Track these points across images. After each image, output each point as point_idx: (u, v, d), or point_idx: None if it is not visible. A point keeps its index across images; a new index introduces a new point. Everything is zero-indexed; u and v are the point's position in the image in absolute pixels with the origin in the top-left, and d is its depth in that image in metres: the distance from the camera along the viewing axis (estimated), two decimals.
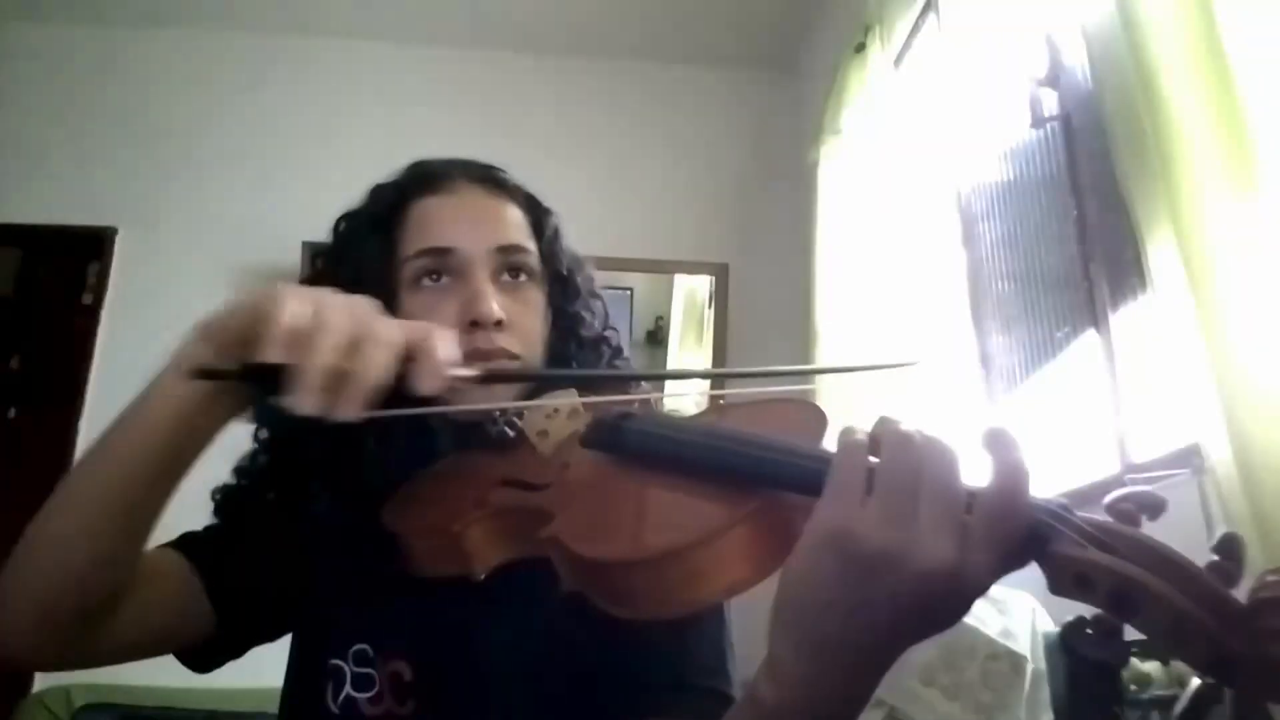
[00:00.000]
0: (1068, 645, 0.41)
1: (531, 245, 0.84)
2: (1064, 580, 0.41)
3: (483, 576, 0.66)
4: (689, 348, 3.14)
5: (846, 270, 2.48)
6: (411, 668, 0.76)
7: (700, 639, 0.74)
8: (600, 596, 0.55)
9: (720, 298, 3.10)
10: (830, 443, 0.49)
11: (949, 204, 2.27)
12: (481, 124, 3.12)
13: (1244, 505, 1.01)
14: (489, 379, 0.66)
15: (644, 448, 0.62)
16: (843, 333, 2.46)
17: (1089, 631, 0.41)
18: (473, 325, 0.77)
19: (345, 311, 0.55)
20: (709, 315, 3.14)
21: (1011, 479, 0.42)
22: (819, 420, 0.59)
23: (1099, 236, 1.73)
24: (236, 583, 0.79)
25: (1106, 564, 0.39)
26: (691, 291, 3.19)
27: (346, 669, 0.77)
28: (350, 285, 0.78)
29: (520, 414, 0.75)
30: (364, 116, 3.20)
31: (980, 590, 0.43)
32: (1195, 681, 0.40)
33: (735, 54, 3.37)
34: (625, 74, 3.38)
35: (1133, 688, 1.21)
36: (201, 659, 0.81)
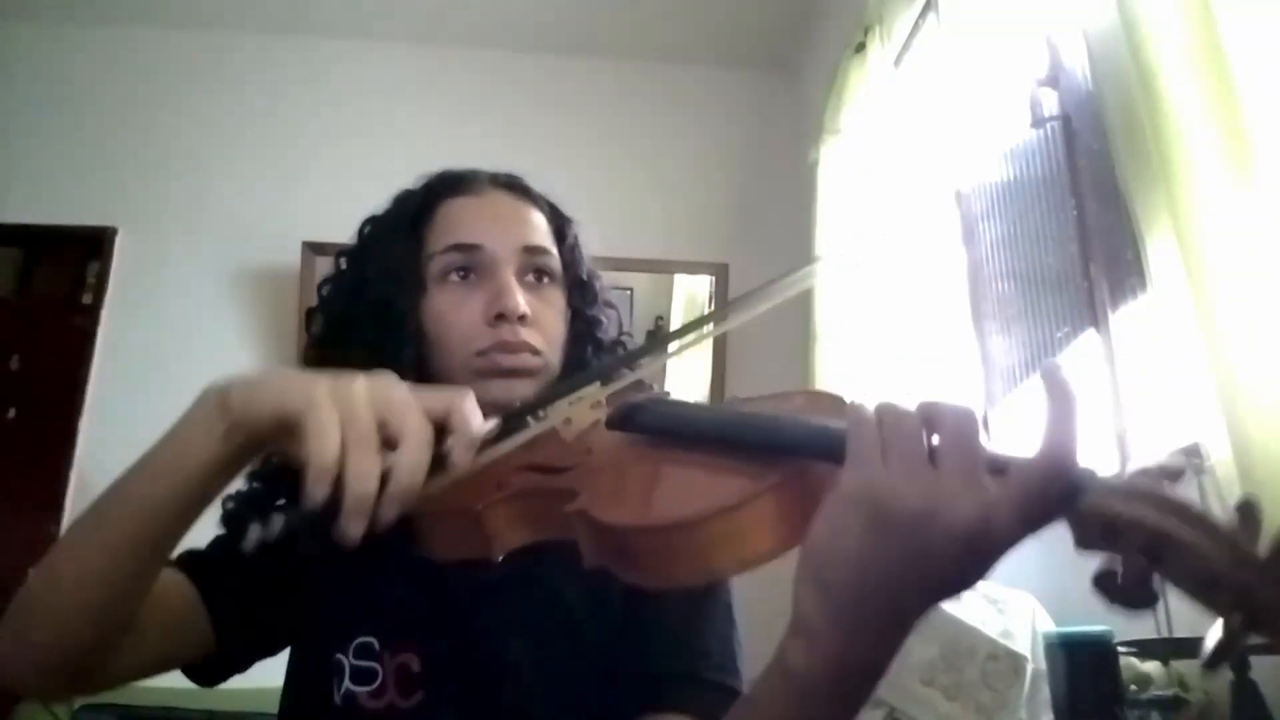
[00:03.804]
0: (1101, 592, 0.42)
1: (554, 249, 0.88)
2: (1091, 533, 0.42)
3: (500, 559, 0.67)
4: (689, 347, 3.14)
5: (846, 270, 2.48)
6: (420, 659, 0.76)
7: (712, 635, 0.76)
8: (624, 566, 0.56)
9: (720, 298, 3.10)
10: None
11: (949, 204, 2.27)
12: (481, 124, 3.12)
13: None
14: (507, 424, 0.65)
15: (669, 426, 0.64)
16: (843, 333, 2.46)
17: (1120, 580, 0.42)
18: (498, 319, 0.80)
19: (372, 414, 0.55)
20: None
21: (1059, 443, 0.42)
22: (838, 403, 0.61)
23: (1099, 236, 1.73)
24: (237, 600, 0.80)
25: (1135, 514, 0.41)
26: (691, 291, 3.19)
27: (346, 663, 0.76)
28: (377, 282, 0.83)
29: (544, 405, 0.76)
30: (364, 116, 3.20)
31: (1009, 547, 0.44)
32: (1219, 625, 0.40)
33: (735, 54, 3.37)
34: (625, 74, 3.37)
35: (1133, 688, 1.21)
36: (205, 674, 0.83)
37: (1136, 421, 1.57)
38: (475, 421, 0.59)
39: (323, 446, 0.53)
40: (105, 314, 2.96)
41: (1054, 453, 0.42)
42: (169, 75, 3.20)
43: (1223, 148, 1.07)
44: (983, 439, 0.45)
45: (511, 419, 0.66)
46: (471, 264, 0.83)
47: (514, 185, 0.91)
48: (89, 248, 3.07)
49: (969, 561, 0.44)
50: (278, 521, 0.55)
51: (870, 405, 0.49)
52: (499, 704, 0.74)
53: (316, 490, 0.53)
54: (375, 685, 0.75)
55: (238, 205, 3.08)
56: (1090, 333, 1.71)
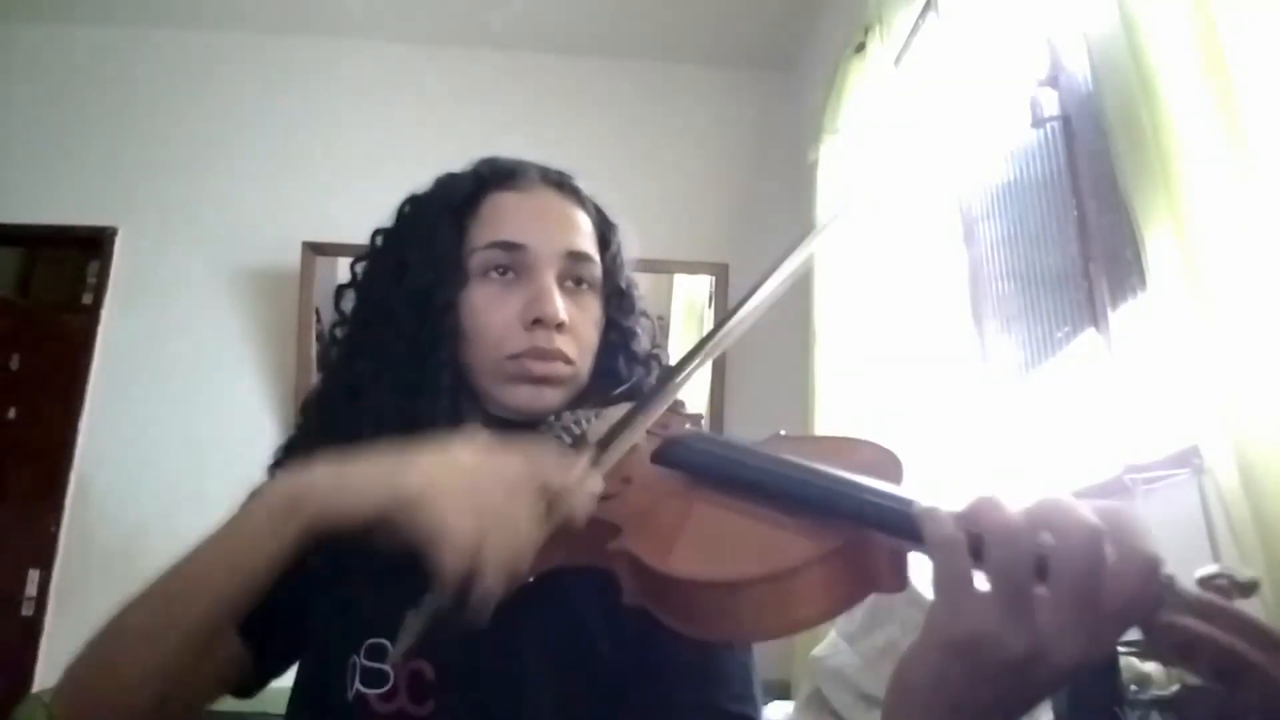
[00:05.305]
0: (1181, 712, 0.40)
1: (597, 256, 0.85)
2: (1162, 646, 0.40)
3: (531, 579, 0.64)
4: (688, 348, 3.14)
5: (846, 270, 2.48)
6: (434, 667, 0.74)
7: (732, 664, 0.74)
8: (670, 613, 0.54)
9: (720, 298, 3.10)
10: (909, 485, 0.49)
11: (949, 204, 2.27)
12: (480, 123, 3.12)
13: (1244, 505, 1.01)
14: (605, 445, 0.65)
15: (721, 470, 0.61)
16: (843, 333, 2.46)
17: (1204, 701, 0.40)
18: (535, 323, 0.78)
19: (502, 500, 0.57)
20: (709, 315, 3.14)
21: (1146, 572, 0.40)
22: (896, 464, 0.58)
23: (1099, 236, 1.73)
24: (267, 615, 0.79)
25: (1213, 636, 0.38)
26: (691, 291, 3.19)
27: (358, 663, 0.75)
28: (418, 269, 0.80)
29: (583, 420, 0.74)
30: (364, 116, 3.20)
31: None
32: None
33: (735, 54, 3.37)
34: (625, 74, 3.37)
35: (1133, 688, 1.21)
36: (245, 688, 0.81)
37: (1136, 421, 1.57)
38: (588, 491, 0.60)
39: (458, 546, 0.54)
40: (105, 314, 2.97)
41: (1147, 570, 0.40)
42: (169, 75, 3.20)
43: (1223, 148, 1.07)
44: (1096, 563, 0.39)
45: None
46: (513, 263, 0.80)
47: (564, 184, 0.88)
48: (89, 248, 3.08)
49: (1060, 684, 0.41)
50: (413, 622, 0.57)
51: (955, 519, 0.43)
52: (510, 719, 0.73)
53: (450, 587, 0.54)
54: (386, 688, 0.74)
55: (238, 205, 3.08)
56: (1090, 332, 1.71)
